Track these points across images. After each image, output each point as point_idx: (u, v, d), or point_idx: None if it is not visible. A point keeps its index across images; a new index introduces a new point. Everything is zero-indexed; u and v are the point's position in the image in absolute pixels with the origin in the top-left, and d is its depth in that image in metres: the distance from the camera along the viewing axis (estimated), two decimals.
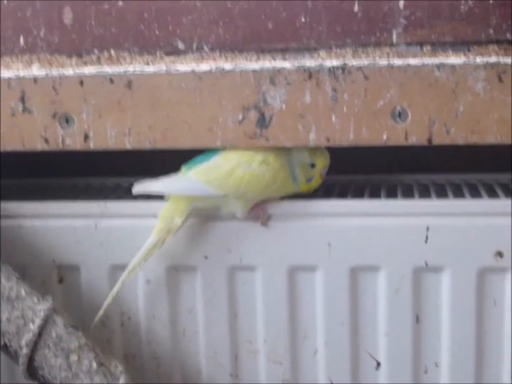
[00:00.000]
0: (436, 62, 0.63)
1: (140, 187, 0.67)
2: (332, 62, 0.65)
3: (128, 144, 0.67)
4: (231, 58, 0.74)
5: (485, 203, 0.67)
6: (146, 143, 0.67)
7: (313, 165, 0.69)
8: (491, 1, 0.72)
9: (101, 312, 0.68)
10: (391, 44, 0.74)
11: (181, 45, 0.77)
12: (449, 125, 0.64)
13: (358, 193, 0.72)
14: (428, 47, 0.74)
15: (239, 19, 0.76)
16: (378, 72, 0.64)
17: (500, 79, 0.63)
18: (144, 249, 0.67)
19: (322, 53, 0.74)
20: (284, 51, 0.76)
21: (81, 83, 0.67)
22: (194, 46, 0.77)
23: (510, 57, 0.64)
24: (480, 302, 0.67)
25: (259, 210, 0.67)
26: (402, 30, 0.74)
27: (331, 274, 0.68)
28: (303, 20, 0.75)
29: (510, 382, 0.68)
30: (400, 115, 0.64)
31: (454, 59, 0.64)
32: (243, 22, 0.76)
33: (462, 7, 0.73)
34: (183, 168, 0.68)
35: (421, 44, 0.74)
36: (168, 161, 0.77)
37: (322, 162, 0.69)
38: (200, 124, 0.66)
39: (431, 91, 0.63)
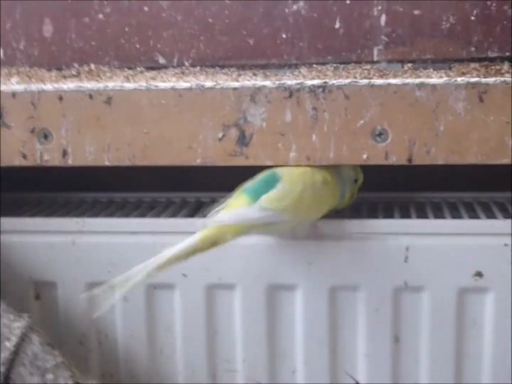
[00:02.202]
0: (416, 81, 0.63)
1: (215, 219, 0.63)
2: (313, 80, 0.64)
3: (107, 160, 0.66)
4: (212, 73, 0.74)
5: (464, 223, 0.67)
6: (125, 160, 0.66)
7: (355, 181, 0.69)
8: (472, 18, 0.73)
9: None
10: (372, 61, 0.74)
11: (162, 60, 0.77)
12: (429, 145, 0.63)
13: (338, 214, 0.71)
14: (409, 65, 0.74)
15: (220, 35, 0.76)
16: (359, 91, 0.63)
17: (481, 99, 0.63)
18: (179, 249, 0.61)
19: (303, 69, 0.74)
20: (265, 67, 0.76)
21: (60, 98, 0.66)
22: (175, 61, 0.77)
23: (491, 77, 0.64)
24: (460, 322, 0.67)
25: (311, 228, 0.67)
26: (383, 47, 0.74)
27: (310, 293, 0.67)
28: (284, 36, 0.75)
29: None
30: (380, 135, 0.64)
31: (435, 78, 0.64)
32: (224, 38, 0.76)
33: (443, 24, 0.73)
34: (247, 195, 0.64)
35: (402, 62, 0.74)
36: (146, 177, 0.77)
37: (361, 178, 0.69)
38: (180, 141, 0.65)
39: (411, 111, 0.63)
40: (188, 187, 0.81)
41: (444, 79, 0.63)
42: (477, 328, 0.67)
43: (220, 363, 0.70)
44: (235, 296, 0.68)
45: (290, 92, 0.64)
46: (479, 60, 0.73)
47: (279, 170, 0.65)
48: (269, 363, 0.69)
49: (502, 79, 0.63)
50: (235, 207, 0.63)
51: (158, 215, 0.73)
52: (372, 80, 0.64)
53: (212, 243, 0.62)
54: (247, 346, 0.69)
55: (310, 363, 0.69)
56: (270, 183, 0.64)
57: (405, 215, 0.70)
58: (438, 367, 0.68)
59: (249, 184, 0.65)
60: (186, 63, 0.77)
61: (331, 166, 0.65)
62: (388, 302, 0.67)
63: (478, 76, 0.66)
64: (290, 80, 0.65)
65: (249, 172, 0.67)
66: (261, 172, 0.65)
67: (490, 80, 0.63)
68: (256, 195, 0.63)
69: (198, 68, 0.76)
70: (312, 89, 0.64)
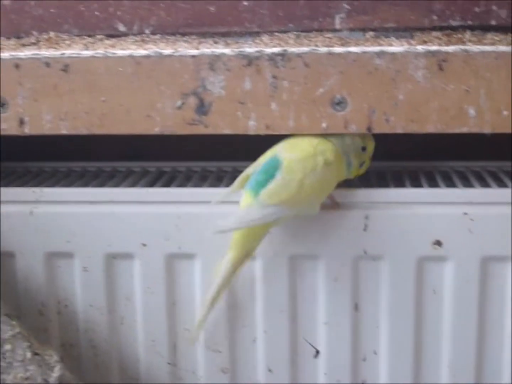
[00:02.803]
0: (376, 50, 0.63)
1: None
2: (272, 48, 0.64)
3: (64, 129, 0.65)
4: (173, 41, 0.73)
5: (423, 192, 0.67)
6: (82, 129, 0.65)
7: (364, 149, 0.67)
8: None
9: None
10: (334, 30, 0.74)
11: (122, 28, 0.76)
12: (388, 114, 0.63)
13: None
14: (371, 33, 0.73)
15: (181, 2, 0.75)
16: (318, 60, 0.63)
17: (441, 68, 0.63)
18: (221, 280, 0.64)
19: (265, 37, 0.73)
20: (226, 35, 0.75)
21: (17, 66, 0.65)
22: (135, 28, 0.76)
23: (451, 45, 0.64)
24: (419, 290, 0.67)
25: (329, 199, 0.66)
26: (345, 15, 0.73)
27: (270, 263, 0.67)
28: (245, 3, 0.74)
29: (447, 368, 0.68)
30: (340, 103, 0.63)
31: (395, 46, 0.64)
32: (185, 5, 0.75)
33: None
34: (249, 191, 0.63)
35: (364, 30, 0.74)
36: (106, 146, 0.76)
37: (372, 145, 0.68)
38: (138, 109, 0.65)
39: (371, 79, 0.63)
40: (149, 156, 0.80)
41: (404, 47, 0.63)
42: (436, 297, 0.67)
43: (180, 333, 0.70)
44: (195, 265, 0.68)
45: (249, 60, 0.64)
46: (441, 28, 0.73)
47: (280, 152, 0.63)
48: (229, 331, 0.69)
49: (462, 47, 0.63)
50: (239, 208, 0.63)
51: (117, 184, 0.72)
52: (331, 48, 0.63)
53: (244, 256, 0.64)
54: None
55: (270, 331, 0.69)
56: (271, 172, 0.62)
57: (366, 184, 0.70)
58: (397, 335, 0.68)
59: (252, 174, 0.64)
60: (147, 31, 0.76)
61: (335, 137, 0.65)
62: (347, 270, 0.67)
63: (439, 44, 0.66)
64: (249, 48, 0.65)
65: (209, 140, 0.67)
66: (265, 153, 0.64)
67: (450, 48, 0.63)
68: (257, 189, 0.62)
69: (158, 36, 0.75)
70: (272, 57, 0.63)
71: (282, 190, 0.62)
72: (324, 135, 0.64)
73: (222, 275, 0.64)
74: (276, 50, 0.63)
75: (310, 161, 0.63)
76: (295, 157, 0.63)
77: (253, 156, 0.66)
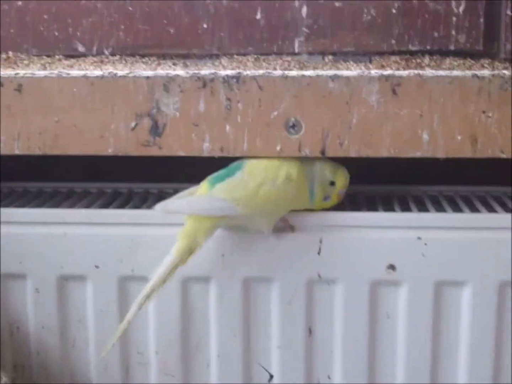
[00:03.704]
0: (330, 73, 0.63)
1: (162, 206, 0.63)
2: (227, 71, 0.64)
3: (17, 149, 0.65)
4: (132, 62, 0.73)
5: (377, 216, 0.67)
6: (35, 149, 0.65)
7: (332, 183, 0.66)
8: (393, 11, 0.72)
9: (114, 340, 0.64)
10: (293, 53, 0.74)
11: (81, 48, 0.76)
12: (342, 137, 0.63)
13: None
14: (330, 57, 0.73)
15: (141, 23, 0.75)
16: (272, 83, 0.63)
17: (394, 92, 0.63)
18: (163, 270, 0.63)
19: (224, 60, 0.73)
20: (186, 57, 0.75)
21: None
22: (95, 49, 0.76)
23: (407, 70, 0.64)
24: (373, 314, 0.67)
25: (282, 222, 0.66)
26: (304, 39, 0.73)
27: (224, 285, 0.67)
28: (205, 26, 0.74)
29: None
30: (294, 127, 0.63)
31: (349, 70, 0.64)
32: (144, 26, 0.75)
33: (364, 16, 0.73)
34: (207, 182, 0.64)
35: (323, 54, 0.74)
36: (64, 166, 0.76)
37: (342, 182, 0.66)
38: (91, 130, 0.64)
39: (325, 103, 0.63)
40: (107, 177, 0.80)
41: (358, 71, 0.63)
42: (390, 321, 0.67)
43: (133, 356, 0.69)
44: None
45: (204, 82, 0.63)
46: (400, 53, 0.73)
47: (248, 160, 0.64)
48: (182, 355, 0.69)
49: (416, 71, 0.63)
50: (191, 195, 0.64)
51: (72, 205, 0.72)
52: (286, 72, 0.64)
53: (189, 252, 0.63)
54: (160, 338, 0.68)
55: (224, 355, 0.68)
56: (233, 170, 0.64)
57: None
58: (351, 360, 0.68)
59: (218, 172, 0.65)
60: (106, 52, 0.75)
61: (306, 161, 0.65)
62: (301, 294, 0.67)
63: (397, 69, 0.66)
64: (204, 70, 0.65)
65: (166, 162, 0.67)
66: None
67: (404, 73, 0.63)
68: (214, 183, 0.63)
69: (117, 56, 0.75)
70: (226, 80, 0.63)
71: (236, 188, 0.63)
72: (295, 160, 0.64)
73: (163, 266, 0.63)
74: (230, 72, 0.63)
75: (272, 171, 0.63)
76: (259, 163, 0.64)
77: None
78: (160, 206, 0.63)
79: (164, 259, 0.63)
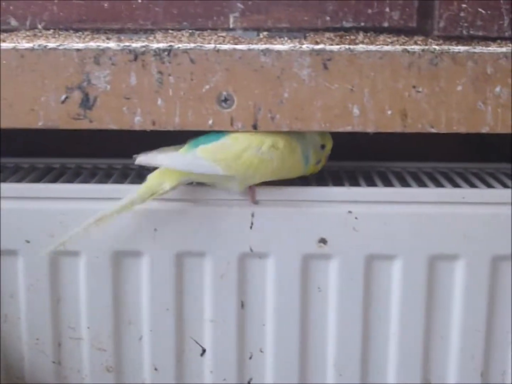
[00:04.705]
0: (262, 47, 0.63)
1: (144, 158, 0.65)
2: (159, 44, 0.63)
3: None
4: (65, 36, 0.72)
5: (309, 191, 0.67)
6: None
7: (323, 146, 0.68)
8: None
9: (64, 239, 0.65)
10: (228, 29, 0.74)
11: (14, 22, 0.74)
12: (274, 112, 0.64)
13: None
14: (265, 33, 0.73)
15: None
16: (204, 56, 0.63)
17: (325, 67, 0.63)
18: (121, 203, 0.64)
19: (159, 35, 0.73)
20: (120, 32, 0.74)
21: None
22: (28, 23, 0.74)
23: (338, 45, 0.65)
24: (304, 288, 0.67)
25: (249, 192, 0.67)
26: (239, 14, 0.73)
27: (156, 260, 0.67)
28: (139, 1, 0.73)
29: (333, 367, 0.69)
30: (226, 101, 0.63)
31: (281, 45, 0.64)
32: (78, 1, 0.74)
33: None
34: (188, 144, 0.66)
35: (258, 30, 0.74)
36: None
37: (330, 144, 0.69)
38: (21, 103, 0.64)
39: (256, 77, 0.63)
40: (38, 152, 0.79)
41: (289, 45, 0.64)
42: (321, 294, 0.68)
43: (65, 331, 0.69)
44: (80, 263, 0.67)
45: (135, 55, 0.63)
46: (334, 30, 0.73)
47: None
48: (114, 330, 0.68)
49: (347, 46, 0.64)
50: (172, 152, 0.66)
51: (3, 180, 0.71)
52: (217, 45, 0.63)
53: (151, 193, 0.65)
54: (92, 313, 0.68)
55: (156, 329, 0.68)
56: (217, 137, 0.65)
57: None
58: (284, 333, 0.68)
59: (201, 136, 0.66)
60: (39, 26, 0.74)
61: (292, 132, 0.65)
62: (234, 268, 0.67)
63: (330, 45, 0.66)
64: (135, 43, 0.64)
65: (100, 136, 0.67)
66: None
67: (335, 47, 0.64)
68: (197, 145, 0.65)
69: (51, 31, 0.74)
70: (158, 53, 0.63)
71: (219, 150, 0.64)
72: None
73: (124, 199, 0.65)
74: (162, 45, 0.63)
75: (258, 138, 0.64)
76: (244, 133, 0.65)
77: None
78: (142, 158, 0.65)
79: (129, 195, 0.64)
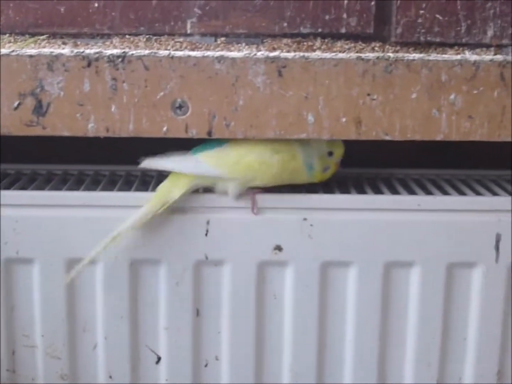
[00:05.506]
0: (216, 54, 0.63)
1: (149, 162, 0.67)
2: (113, 50, 0.63)
3: None
4: (21, 41, 0.72)
5: (264, 198, 0.67)
6: None
7: (330, 153, 0.68)
8: None
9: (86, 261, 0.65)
10: (186, 34, 0.73)
11: None
12: (229, 119, 0.63)
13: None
14: (223, 39, 0.73)
15: (30, 2, 0.73)
16: (159, 63, 0.63)
17: (280, 74, 0.63)
18: (136, 217, 0.65)
19: (115, 40, 0.72)
20: (76, 37, 0.74)
21: None
22: None
23: (292, 52, 0.65)
24: (260, 295, 0.67)
25: (250, 199, 0.67)
26: (196, 20, 0.73)
27: (111, 267, 0.66)
28: (96, 5, 0.73)
29: (289, 373, 0.69)
30: (181, 107, 0.63)
31: (237, 51, 0.64)
32: (34, 5, 0.73)
33: None
34: (191, 152, 0.67)
35: (215, 35, 0.73)
36: None
37: (339, 151, 0.69)
38: None
39: (211, 84, 0.63)
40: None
41: (244, 52, 0.63)
42: (277, 302, 0.68)
43: (19, 339, 0.68)
44: (33, 270, 0.66)
45: (89, 61, 0.63)
46: (292, 36, 0.73)
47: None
48: (69, 338, 0.68)
49: (302, 54, 0.64)
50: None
51: None
52: (172, 52, 0.63)
53: (163, 203, 0.65)
54: (46, 321, 0.67)
55: (111, 337, 0.68)
56: (220, 144, 0.66)
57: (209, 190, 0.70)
58: (239, 340, 0.68)
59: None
60: None
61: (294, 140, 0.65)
62: (189, 275, 0.67)
63: (288, 51, 0.66)
64: (89, 49, 0.64)
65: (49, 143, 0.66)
66: None
67: (290, 55, 0.64)
68: (198, 152, 0.67)
69: (7, 35, 0.73)
70: (111, 59, 0.63)
71: (220, 156, 0.66)
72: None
73: (137, 213, 0.65)
74: (116, 52, 0.63)
75: (257, 145, 0.66)
76: (244, 140, 0.65)
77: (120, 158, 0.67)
78: (147, 163, 0.67)
79: (142, 208, 0.65)
